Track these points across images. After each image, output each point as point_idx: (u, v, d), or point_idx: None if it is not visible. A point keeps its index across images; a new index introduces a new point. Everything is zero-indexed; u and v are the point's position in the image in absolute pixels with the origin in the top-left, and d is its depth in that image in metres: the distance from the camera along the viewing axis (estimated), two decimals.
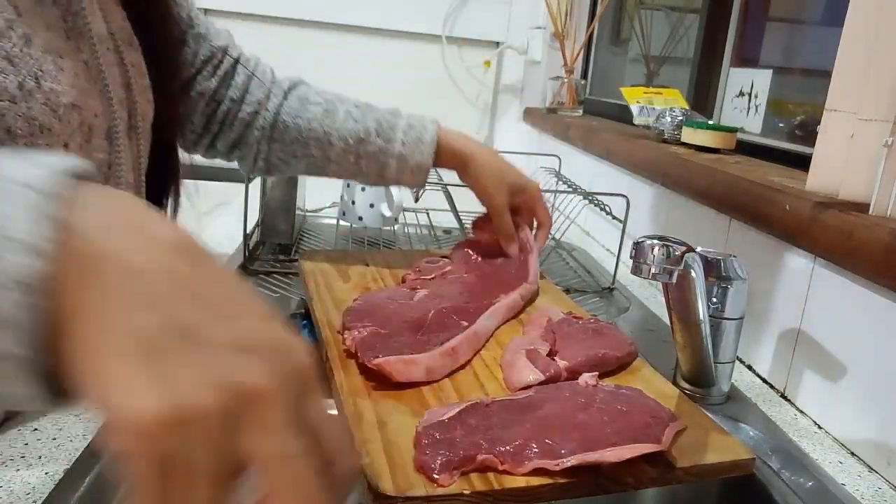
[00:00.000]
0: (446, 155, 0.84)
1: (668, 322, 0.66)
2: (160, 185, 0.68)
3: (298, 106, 0.84)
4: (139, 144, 0.62)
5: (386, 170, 0.84)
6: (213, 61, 0.81)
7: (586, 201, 1.23)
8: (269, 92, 0.84)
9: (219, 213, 1.43)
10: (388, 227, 1.24)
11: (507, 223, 0.85)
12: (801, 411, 0.74)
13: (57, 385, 0.25)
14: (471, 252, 0.88)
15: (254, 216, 1.13)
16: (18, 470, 0.52)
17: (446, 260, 0.88)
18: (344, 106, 0.85)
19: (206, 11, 2.18)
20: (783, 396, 0.77)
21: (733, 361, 0.73)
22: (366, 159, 0.83)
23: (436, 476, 0.46)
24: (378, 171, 0.84)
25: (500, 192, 0.84)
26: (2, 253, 0.24)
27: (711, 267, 0.69)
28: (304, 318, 0.90)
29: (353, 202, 1.21)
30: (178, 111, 0.73)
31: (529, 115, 2.13)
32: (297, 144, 0.83)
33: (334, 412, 0.59)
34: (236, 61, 0.83)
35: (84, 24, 0.55)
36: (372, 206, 1.21)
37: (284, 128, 0.83)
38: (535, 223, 0.89)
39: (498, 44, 2.30)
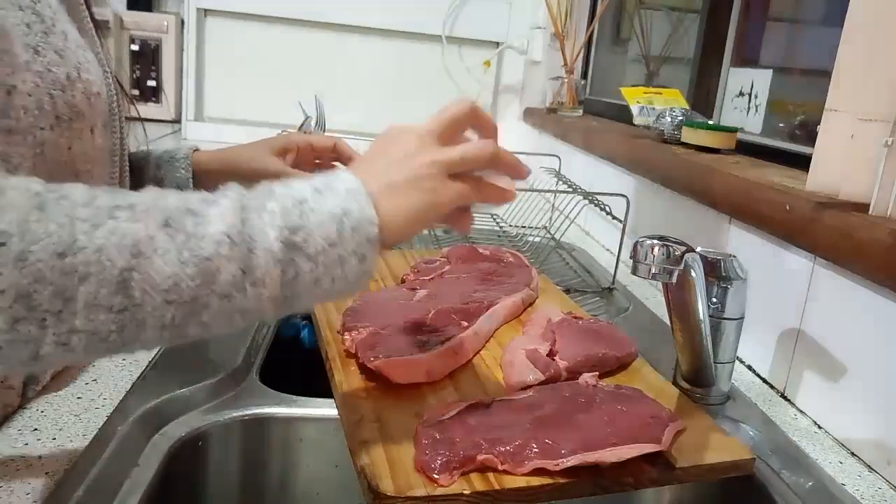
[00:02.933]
0: (201, 168, 0.82)
1: (668, 322, 0.66)
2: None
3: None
4: (123, 134, 0.67)
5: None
6: None
7: (586, 201, 1.23)
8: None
9: None
10: None
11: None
12: (801, 411, 0.74)
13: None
14: (470, 252, 0.88)
15: None
16: (18, 470, 0.52)
17: (444, 260, 0.88)
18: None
19: (206, 12, 2.18)
20: (783, 396, 0.77)
21: (733, 361, 0.73)
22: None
23: (436, 476, 0.46)
24: None
25: (263, 159, 0.82)
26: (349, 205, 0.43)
27: (711, 267, 0.69)
28: (304, 318, 0.90)
29: None
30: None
31: (529, 115, 2.13)
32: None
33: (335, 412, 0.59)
34: None
35: (84, 19, 0.60)
36: None
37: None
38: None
39: (498, 44, 2.30)
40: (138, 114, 0.79)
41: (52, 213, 0.36)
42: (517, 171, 0.50)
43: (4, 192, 0.35)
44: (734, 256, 0.70)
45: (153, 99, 2.19)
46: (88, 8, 0.66)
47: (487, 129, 0.50)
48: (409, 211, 0.45)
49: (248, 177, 0.81)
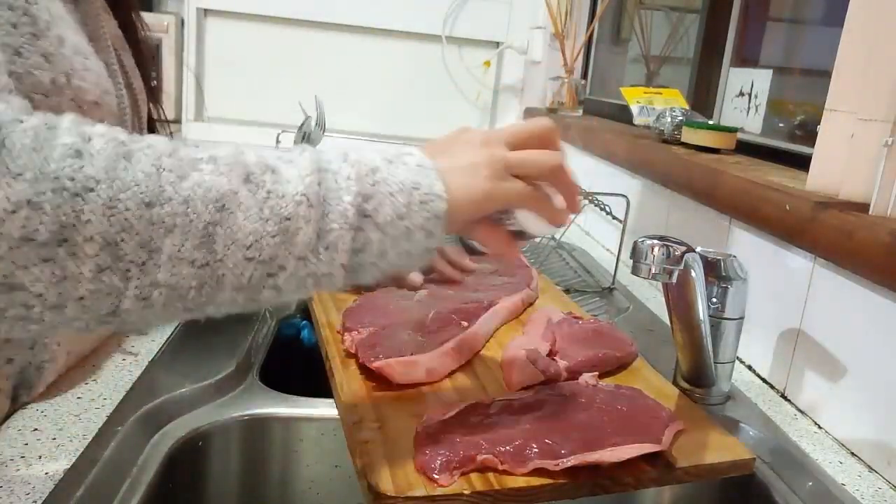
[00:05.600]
0: None
1: (668, 322, 0.66)
2: None
3: None
4: None
5: None
6: None
7: (586, 201, 1.23)
8: None
9: None
10: None
11: None
12: (801, 411, 0.74)
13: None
14: (470, 253, 0.88)
15: None
16: (18, 470, 0.52)
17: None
18: None
19: (206, 12, 2.18)
20: (783, 396, 0.77)
21: (733, 361, 0.73)
22: None
23: (436, 476, 0.46)
24: None
25: None
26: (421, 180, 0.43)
27: (711, 267, 0.69)
28: (304, 318, 0.90)
29: None
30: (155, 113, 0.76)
31: (529, 115, 2.13)
32: None
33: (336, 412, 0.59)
34: None
35: (100, 28, 0.58)
36: None
37: None
38: None
39: (498, 44, 2.30)
40: (168, 127, 0.77)
41: (139, 161, 0.36)
42: (572, 198, 0.51)
43: (91, 140, 0.35)
44: (734, 256, 0.70)
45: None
46: (132, 25, 0.66)
47: (556, 148, 0.50)
48: (471, 193, 0.45)
49: None
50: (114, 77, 0.59)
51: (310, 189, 0.39)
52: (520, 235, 0.52)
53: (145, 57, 0.70)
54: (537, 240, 1.36)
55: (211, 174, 0.37)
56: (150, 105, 0.72)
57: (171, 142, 0.38)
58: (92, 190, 0.34)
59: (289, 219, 0.39)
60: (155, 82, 0.83)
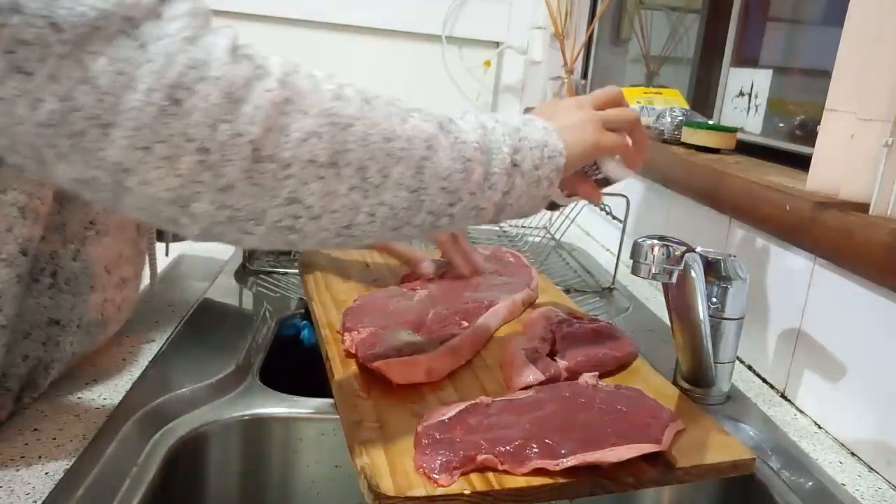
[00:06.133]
0: None
1: (668, 322, 0.66)
2: None
3: None
4: None
5: None
6: None
7: (586, 201, 1.23)
8: None
9: None
10: None
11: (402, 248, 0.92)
12: (801, 411, 0.74)
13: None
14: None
15: None
16: (18, 470, 0.52)
17: (445, 260, 0.88)
18: None
19: None
20: (783, 396, 0.77)
21: (733, 361, 0.73)
22: None
23: (436, 476, 0.46)
24: None
25: None
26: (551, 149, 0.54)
27: (711, 267, 0.69)
28: (304, 318, 0.90)
29: None
30: None
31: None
32: None
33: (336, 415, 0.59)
34: None
35: None
36: None
37: None
38: None
39: (498, 44, 2.30)
40: None
41: (377, 106, 0.45)
42: (644, 144, 0.64)
43: (343, 87, 0.44)
44: (734, 256, 0.70)
45: None
46: None
47: (624, 106, 0.64)
48: (580, 147, 0.57)
49: None
50: None
51: (481, 139, 0.49)
52: (604, 183, 0.66)
53: None
54: (537, 240, 1.36)
55: (420, 120, 0.47)
56: None
57: (381, 94, 0.47)
58: (352, 125, 0.42)
59: (469, 160, 0.48)
60: None
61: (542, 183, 0.53)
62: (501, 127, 0.52)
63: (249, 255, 1.05)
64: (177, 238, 0.87)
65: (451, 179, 0.47)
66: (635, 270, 0.58)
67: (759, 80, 1.20)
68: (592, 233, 1.45)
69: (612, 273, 1.10)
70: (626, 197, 1.08)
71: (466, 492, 0.46)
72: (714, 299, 0.69)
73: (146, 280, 0.78)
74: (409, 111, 0.47)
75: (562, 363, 0.63)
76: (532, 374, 0.61)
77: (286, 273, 1.02)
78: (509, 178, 0.51)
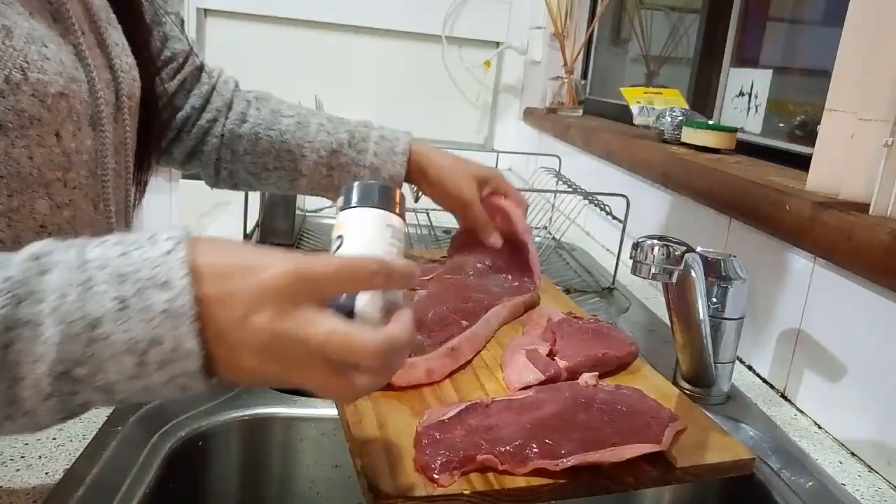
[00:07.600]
0: (411, 167, 0.82)
1: (668, 322, 0.66)
2: (138, 166, 0.68)
3: (271, 118, 0.82)
4: (125, 127, 0.60)
5: None
6: (174, 64, 0.78)
7: (586, 201, 1.23)
8: (231, 103, 0.82)
9: (218, 213, 1.43)
10: None
11: (482, 214, 0.81)
12: (801, 411, 0.74)
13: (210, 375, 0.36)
14: (470, 252, 0.88)
15: (254, 216, 1.13)
16: (18, 470, 0.52)
17: (445, 260, 0.88)
18: (316, 119, 0.83)
19: (206, 12, 2.18)
20: (783, 396, 0.77)
21: (733, 361, 0.73)
22: (338, 171, 0.81)
23: (436, 476, 0.46)
24: None
25: (466, 185, 0.81)
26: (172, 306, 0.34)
27: (711, 267, 0.69)
28: None
29: None
30: (157, 92, 0.71)
31: (529, 115, 2.13)
32: (269, 156, 0.81)
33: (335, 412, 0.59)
34: (200, 69, 0.81)
35: (62, 6, 0.53)
36: None
37: (256, 139, 0.80)
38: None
39: (498, 44, 2.30)
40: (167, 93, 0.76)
41: None
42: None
43: None
44: (734, 256, 0.70)
45: None
46: None
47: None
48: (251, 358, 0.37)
49: (437, 195, 0.82)
50: (83, 60, 0.54)
51: None
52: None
53: (140, 29, 0.66)
54: (537, 240, 1.36)
55: None
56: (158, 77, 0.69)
57: None
58: None
59: None
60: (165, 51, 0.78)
61: (158, 392, 0.36)
62: (55, 326, 0.33)
63: None
64: None
65: None
66: (635, 270, 0.58)
67: (759, 80, 1.20)
68: (592, 233, 1.45)
69: (613, 273, 1.10)
70: (626, 197, 1.08)
71: (466, 492, 0.46)
72: (714, 299, 0.69)
73: None
74: None
75: (562, 363, 0.63)
76: (532, 374, 0.61)
77: None
78: (68, 398, 0.35)
